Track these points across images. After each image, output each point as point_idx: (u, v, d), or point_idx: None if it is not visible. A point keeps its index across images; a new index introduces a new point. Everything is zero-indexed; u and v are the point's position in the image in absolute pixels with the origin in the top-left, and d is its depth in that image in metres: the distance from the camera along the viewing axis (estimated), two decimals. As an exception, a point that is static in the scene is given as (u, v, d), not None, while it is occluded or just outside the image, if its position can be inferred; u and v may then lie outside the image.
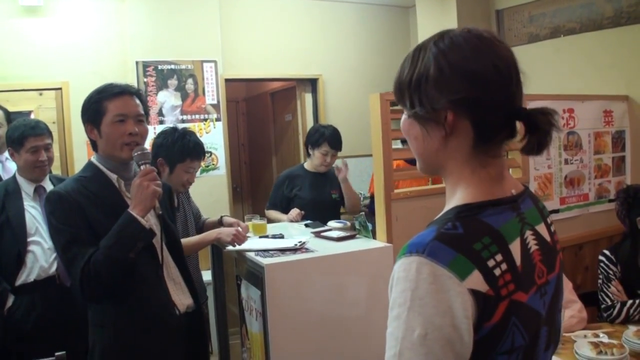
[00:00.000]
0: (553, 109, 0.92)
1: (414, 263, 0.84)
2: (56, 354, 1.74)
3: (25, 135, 2.58)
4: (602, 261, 2.65)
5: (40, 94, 4.36)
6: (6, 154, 2.97)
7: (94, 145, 1.94)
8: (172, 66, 4.48)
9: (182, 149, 2.67)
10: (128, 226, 1.77)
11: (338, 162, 3.61)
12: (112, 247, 1.74)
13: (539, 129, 0.91)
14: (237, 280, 2.65)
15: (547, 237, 1.00)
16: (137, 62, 4.36)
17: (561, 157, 3.16)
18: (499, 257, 0.86)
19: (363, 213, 2.68)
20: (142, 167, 1.86)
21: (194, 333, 2.05)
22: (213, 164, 4.66)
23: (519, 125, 0.94)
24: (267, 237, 2.71)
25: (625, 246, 2.64)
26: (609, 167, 3.42)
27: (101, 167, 1.91)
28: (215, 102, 4.66)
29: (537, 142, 0.92)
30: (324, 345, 2.24)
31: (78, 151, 4.28)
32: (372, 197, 4.51)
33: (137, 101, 1.94)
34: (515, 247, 0.90)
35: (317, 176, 3.60)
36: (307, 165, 3.64)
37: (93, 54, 4.37)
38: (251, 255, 2.32)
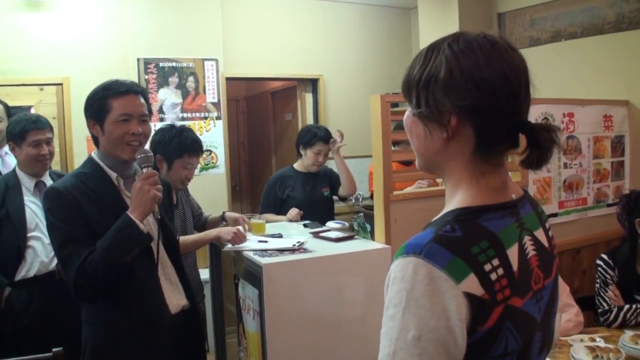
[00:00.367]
0: (557, 126, 0.92)
1: (410, 264, 0.84)
2: (53, 350, 1.74)
3: (27, 129, 2.58)
4: (599, 265, 2.65)
5: (41, 89, 4.35)
6: (5, 148, 2.97)
7: (95, 140, 1.93)
8: (173, 64, 4.48)
9: (179, 145, 2.68)
10: (126, 229, 1.76)
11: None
12: (108, 249, 1.73)
13: (541, 145, 0.91)
14: (235, 279, 2.65)
15: (545, 243, 1.00)
16: (138, 59, 4.36)
17: (560, 161, 3.16)
18: (495, 262, 0.86)
19: (362, 214, 2.68)
20: (144, 170, 1.85)
21: (188, 333, 2.03)
22: (213, 163, 4.67)
23: (522, 136, 0.93)
24: (265, 239, 2.71)
25: (623, 250, 2.64)
26: (608, 171, 3.42)
27: (101, 163, 1.90)
28: (215, 100, 4.66)
29: (537, 158, 0.92)
30: (320, 345, 2.24)
31: (78, 147, 4.28)
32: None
33: (142, 100, 1.93)
34: (512, 253, 0.90)
35: (308, 176, 3.62)
36: (298, 165, 3.66)
37: (94, 50, 4.37)
38: (249, 254, 2.32)
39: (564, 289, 2.51)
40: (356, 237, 2.59)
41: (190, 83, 4.54)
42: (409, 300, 0.82)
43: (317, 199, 3.58)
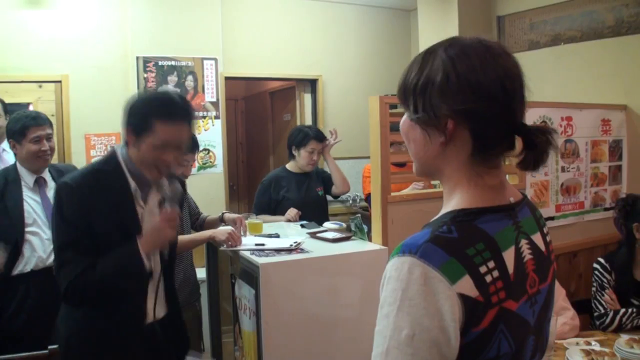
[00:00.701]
0: (553, 129, 0.93)
1: (406, 263, 0.84)
2: (49, 347, 1.74)
3: (27, 125, 2.59)
4: (596, 269, 2.66)
5: (40, 86, 4.35)
6: (3, 145, 2.97)
7: (126, 140, 1.83)
8: (173, 62, 4.48)
9: None
10: (130, 259, 1.73)
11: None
12: (106, 274, 1.71)
13: (537, 147, 0.92)
14: (231, 278, 2.65)
15: (542, 247, 1.00)
16: (137, 58, 4.36)
17: (558, 165, 3.17)
18: (491, 264, 0.87)
19: (359, 215, 2.69)
20: (167, 206, 1.82)
21: (168, 339, 1.98)
22: (210, 162, 4.66)
23: (518, 139, 0.94)
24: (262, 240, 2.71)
25: (620, 254, 2.65)
26: (606, 175, 3.43)
27: (124, 166, 1.81)
28: (214, 99, 4.66)
29: (533, 160, 0.93)
30: (316, 345, 2.24)
31: (76, 144, 4.27)
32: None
33: (189, 129, 1.83)
34: (508, 256, 0.90)
35: (301, 176, 3.62)
36: (290, 166, 3.65)
37: (94, 48, 4.37)
38: (246, 254, 2.32)
39: (560, 293, 2.51)
40: (353, 238, 2.59)
41: (189, 82, 4.54)
42: (404, 300, 0.83)
43: (312, 199, 3.59)
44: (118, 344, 1.80)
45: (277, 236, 2.68)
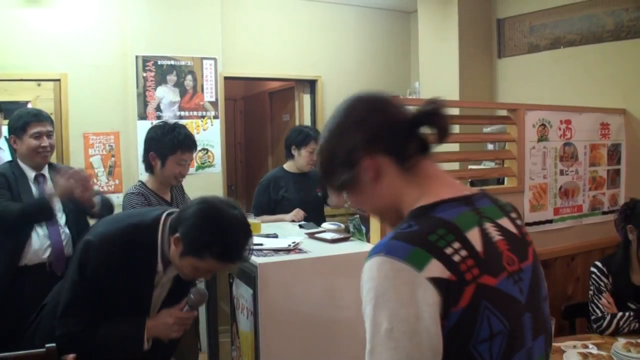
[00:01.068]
0: (431, 99, 1.03)
1: (375, 263, 0.90)
2: (47, 345, 1.73)
3: (28, 121, 2.62)
4: (593, 272, 2.66)
5: (39, 85, 4.34)
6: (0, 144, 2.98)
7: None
8: (172, 62, 4.47)
9: (172, 141, 2.69)
10: (132, 341, 1.76)
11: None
12: (107, 343, 1.74)
13: (434, 124, 1.02)
14: (229, 278, 2.65)
15: (513, 230, 1.03)
16: (136, 57, 4.35)
17: (557, 168, 3.17)
18: (456, 245, 0.90)
19: (358, 216, 2.69)
20: (188, 308, 1.84)
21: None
22: (209, 162, 4.66)
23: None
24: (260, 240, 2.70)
25: (617, 258, 2.65)
26: (604, 179, 3.44)
27: (159, 249, 1.78)
28: (213, 99, 4.65)
29: (438, 133, 1.02)
30: (313, 346, 2.24)
31: (74, 143, 4.26)
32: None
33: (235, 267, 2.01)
34: (473, 235, 0.94)
35: (300, 176, 3.62)
36: (288, 166, 3.65)
37: (93, 47, 4.35)
38: (244, 253, 2.31)
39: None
40: (351, 238, 2.59)
41: (189, 82, 4.54)
42: (378, 297, 0.88)
43: (311, 200, 3.58)
44: None
45: (276, 236, 2.68)
